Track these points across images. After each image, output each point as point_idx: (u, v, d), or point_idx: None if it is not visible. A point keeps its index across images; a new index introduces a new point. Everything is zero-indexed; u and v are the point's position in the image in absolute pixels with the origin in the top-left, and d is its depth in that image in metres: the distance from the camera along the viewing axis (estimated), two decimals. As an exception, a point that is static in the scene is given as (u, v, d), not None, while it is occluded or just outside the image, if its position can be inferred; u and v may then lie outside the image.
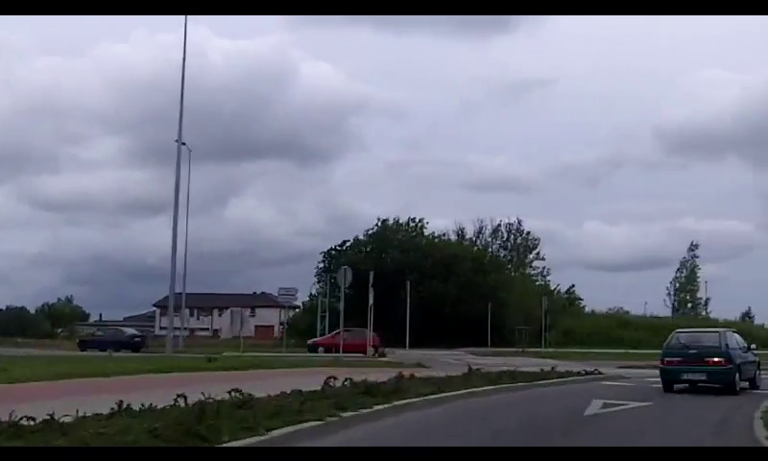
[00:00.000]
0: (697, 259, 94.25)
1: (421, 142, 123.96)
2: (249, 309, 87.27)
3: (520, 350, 53.17)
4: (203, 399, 10.55)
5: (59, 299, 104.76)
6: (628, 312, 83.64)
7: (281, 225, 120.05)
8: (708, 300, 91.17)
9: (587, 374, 22.15)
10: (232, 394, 11.77)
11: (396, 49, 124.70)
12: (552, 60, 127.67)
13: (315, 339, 47.11)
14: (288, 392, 12.68)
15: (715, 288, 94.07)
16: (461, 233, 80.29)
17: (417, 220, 73.62)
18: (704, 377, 18.10)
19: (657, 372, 25.91)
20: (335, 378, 13.58)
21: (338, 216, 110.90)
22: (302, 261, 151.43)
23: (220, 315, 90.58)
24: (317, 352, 40.85)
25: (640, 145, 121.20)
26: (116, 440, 7.72)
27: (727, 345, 18.41)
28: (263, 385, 14.33)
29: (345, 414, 10.89)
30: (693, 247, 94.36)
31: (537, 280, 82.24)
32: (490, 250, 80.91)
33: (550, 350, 48.18)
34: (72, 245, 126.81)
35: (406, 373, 17.42)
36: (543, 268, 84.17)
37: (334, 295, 49.93)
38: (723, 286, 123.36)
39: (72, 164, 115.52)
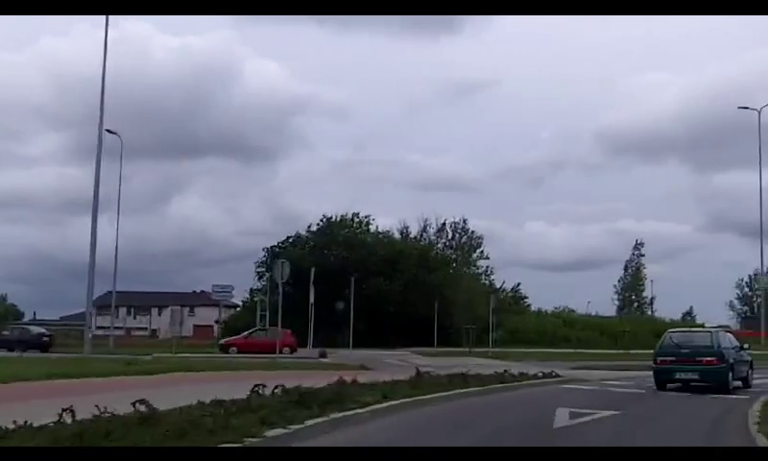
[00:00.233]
0: (642, 258, 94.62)
1: (367, 142, 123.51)
2: (188, 308, 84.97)
3: (467, 350, 51.84)
4: (98, 413, 8.71)
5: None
6: (573, 311, 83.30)
7: (225, 224, 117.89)
8: (653, 298, 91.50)
9: (543, 376, 20.53)
10: (137, 406, 9.83)
11: (341, 48, 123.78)
12: (497, 61, 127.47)
13: (227, 339, 44.21)
14: (207, 402, 10.72)
15: (659, 288, 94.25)
16: (405, 232, 78.94)
17: (362, 216, 71.99)
18: (696, 377, 18.29)
19: (614, 374, 24.95)
20: (264, 386, 11.64)
21: (283, 216, 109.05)
22: (246, 261, 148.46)
23: (159, 314, 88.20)
24: (228, 353, 38.51)
25: (582, 147, 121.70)
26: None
27: (719, 344, 18.69)
28: (181, 393, 12.59)
29: (270, 433, 8.93)
30: (638, 246, 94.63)
31: (481, 279, 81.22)
32: (435, 249, 79.58)
33: (497, 349, 46.82)
34: (8, 243, 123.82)
35: (348, 377, 15.57)
36: (487, 267, 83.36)
37: (276, 293, 47.75)
38: (665, 286, 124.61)
39: (9, 160, 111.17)
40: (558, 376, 21.03)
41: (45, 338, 43.87)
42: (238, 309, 69.32)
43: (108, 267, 48.44)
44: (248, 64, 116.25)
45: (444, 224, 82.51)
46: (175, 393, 13.62)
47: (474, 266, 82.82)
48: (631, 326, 69.61)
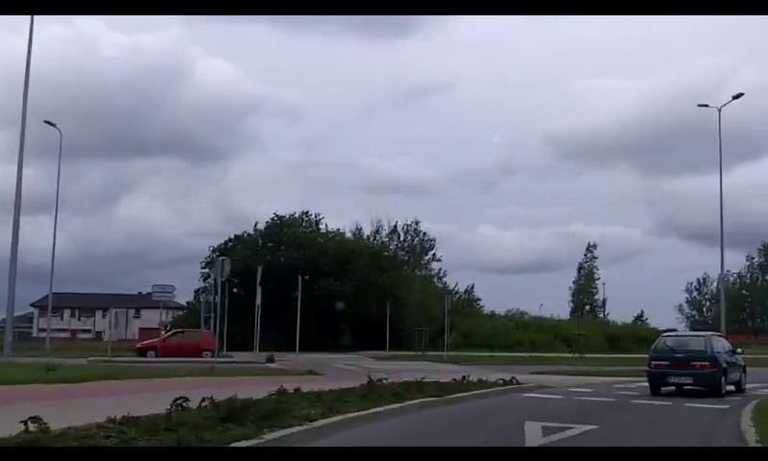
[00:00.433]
0: (595, 261, 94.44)
1: (321, 144, 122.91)
2: (132, 310, 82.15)
3: (420, 353, 50.55)
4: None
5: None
6: (525, 314, 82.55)
7: (175, 225, 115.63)
8: (605, 300, 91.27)
9: (504, 383, 19.01)
10: (28, 425, 8.06)
11: (295, 49, 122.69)
12: (450, 64, 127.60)
13: (145, 342, 41.78)
14: (119, 418, 8.95)
15: (610, 291, 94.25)
16: (358, 233, 77.33)
17: (313, 215, 70.16)
18: (690, 381, 18.29)
19: (578, 380, 23.65)
20: (187, 400, 9.88)
21: (234, 217, 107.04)
22: (196, 262, 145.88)
23: (103, 316, 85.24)
24: (146, 357, 36.45)
25: (533, 151, 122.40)
26: None
27: (713, 348, 18.76)
28: (93, 406, 10.97)
29: (185, 461, 7.22)
30: (591, 248, 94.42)
31: (434, 282, 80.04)
32: (387, 250, 78.13)
33: (451, 353, 45.46)
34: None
35: (291, 385, 13.92)
36: (440, 269, 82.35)
37: (225, 294, 45.69)
38: (616, 289, 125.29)
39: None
40: (519, 383, 19.55)
41: None
42: (184, 311, 66.88)
43: (50, 268, 45.96)
44: (199, 63, 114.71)
45: (396, 226, 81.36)
46: (86, 405, 11.89)
47: (427, 268, 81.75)
48: (584, 329, 69.01)
